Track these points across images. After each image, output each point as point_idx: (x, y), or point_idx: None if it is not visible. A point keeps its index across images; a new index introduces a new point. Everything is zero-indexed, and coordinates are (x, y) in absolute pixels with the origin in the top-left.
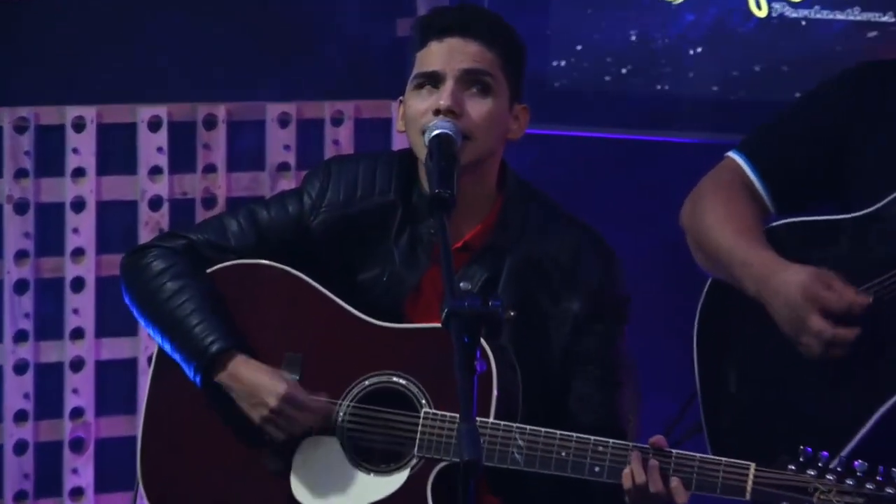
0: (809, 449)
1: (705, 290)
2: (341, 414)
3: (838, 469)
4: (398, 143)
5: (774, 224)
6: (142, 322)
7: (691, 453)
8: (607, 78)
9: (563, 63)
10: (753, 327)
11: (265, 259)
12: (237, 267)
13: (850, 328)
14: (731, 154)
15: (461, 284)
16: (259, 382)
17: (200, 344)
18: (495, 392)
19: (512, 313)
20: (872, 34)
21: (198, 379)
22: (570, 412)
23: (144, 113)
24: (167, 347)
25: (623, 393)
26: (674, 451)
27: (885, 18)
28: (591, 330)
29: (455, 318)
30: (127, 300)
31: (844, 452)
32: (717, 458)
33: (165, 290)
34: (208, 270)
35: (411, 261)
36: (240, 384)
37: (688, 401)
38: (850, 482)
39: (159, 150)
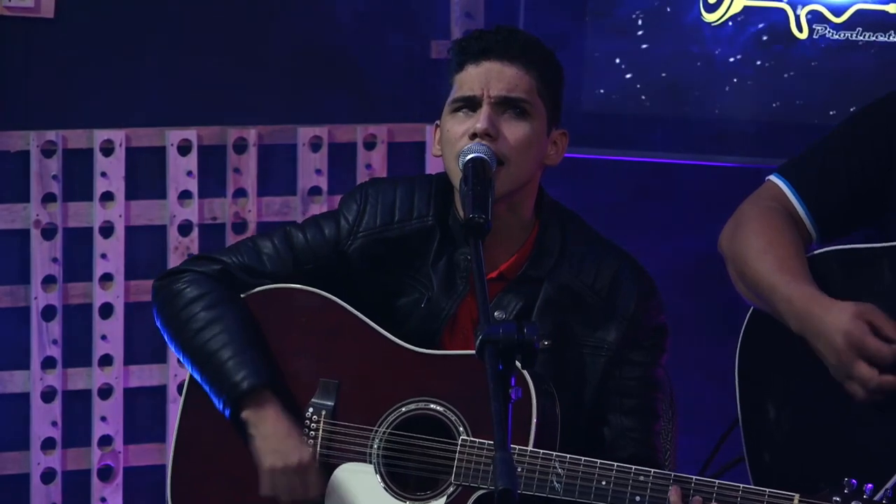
0: (854, 481)
1: (747, 318)
2: (377, 441)
3: (883, 502)
4: (432, 166)
5: (816, 252)
6: (172, 348)
7: (734, 483)
8: (645, 101)
9: (600, 86)
10: (797, 356)
11: (300, 283)
12: (272, 291)
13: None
14: (773, 178)
15: (495, 314)
16: (290, 436)
17: (231, 380)
18: (534, 419)
19: (546, 343)
20: None
21: (227, 413)
22: (606, 445)
23: (174, 136)
24: (197, 377)
25: (660, 426)
26: (716, 481)
27: None
28: (627, 360)
29: (489, 346)
30: (158, 324)
31: (890, 484)
32: (761, 489)
33: (198, 319)
34: (243, 295)
35: (449, 287)
36: (265, 426)
37: (727, 430)
38: None
39: (189, 173)
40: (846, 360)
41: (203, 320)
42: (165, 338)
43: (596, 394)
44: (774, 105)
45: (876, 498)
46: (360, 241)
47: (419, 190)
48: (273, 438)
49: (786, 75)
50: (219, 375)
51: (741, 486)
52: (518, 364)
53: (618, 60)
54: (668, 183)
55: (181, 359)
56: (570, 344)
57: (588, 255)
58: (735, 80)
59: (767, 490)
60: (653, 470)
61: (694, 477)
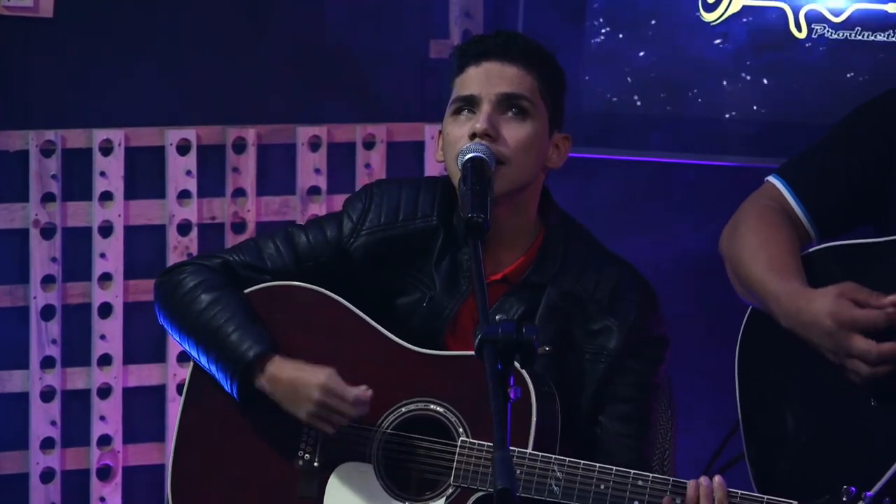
0: (853, 489)
1: (746, 317)
2: (377, 441)
3: None
4: (431, 166)
5: (811, 250)
6: (176, 337)
7: (733, 490)
8: (644, 101)
9: (599, 86)
10: (796, 355)
11: (302, 282)
12: (274, 288)
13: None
14: (771, 179)
15: (497, 317)
16: (298, 378)
17: (237, 351)
18: (534, 418)
19: (547, 348)
20: None
21: (235, 388)
22: (597, 447)
23: (173, 136)
24: (203, 360)
25: (652, 436)
26: None
27: None
28: (625, 367)
29: (488, 345)
30: (160, 317)
31: (881, 483)
32: (760, 495)
33: (200, 301)
34: (244, 291)
35: (452, 287)
36: (280, 385)
37: (731, 431)
38: None
39: (188, 173)
40: (840, 339)
41: (205, 302)
42: (169, 330)
43: (592, 398)
44: (773, 105)
45: None
46: (364, 238)
47: (424, 191)
48: (290, 393)
49: (785, 75)
50: (224, 350)
51: (739, 492)
52: (517, 364)
53: (617, 60)
54: (667, 183)
55: (185, 345)
56: (571, 350)
57: (590, 264)
58: (734, 79)
59: (766, 497)
60: (651, 475)
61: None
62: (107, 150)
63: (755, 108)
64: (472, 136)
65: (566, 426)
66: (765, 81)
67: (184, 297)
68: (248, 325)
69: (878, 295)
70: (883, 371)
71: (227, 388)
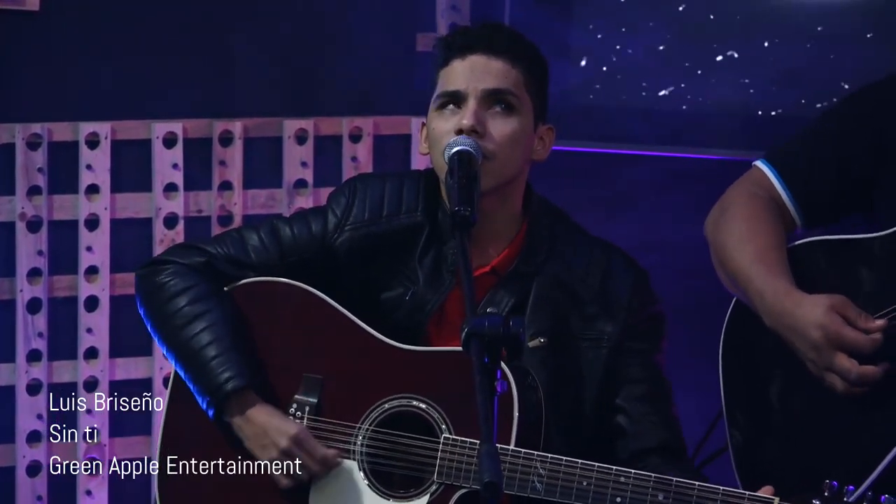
0: (836, 483)
1: (730, 310)
2: (360, 438)
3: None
4: (417, 160)
5: (797, 243)
6: (156, 340)
7: (714, 486)
8: (631, 93)
9: (585, 79)
10: (779, 349)
11: (285, 276)
12: (257, 285)
13: (876, 366)
14: (759, 164)
15: (488, 310)
16: (271, 423)
17: (216, 380)
18: (516, 413)
19: (541, 340)
20: None
21: (210, 413)
22: (629, 434)
23: (159, 129)
24: (181, 373)
25: (673, 408)
26: (697, 483)
27: None
28: (629, 350)
29: (475, 339)
30: (142, 314)
31: (868, 482)
32: (741, 492)
33: (183, 314)
34: (227, 288)
35: (435, 281)
36: (250, 426)
37: (713, 422)
38: None
39: (174, 166)
40: (824, 353)
41: (187, 316)
42: (149, 329)
43: (601, 387)
44: (762, 97)
45: (852, 500)
46: (348, 234)
47: (408, 185)
48: (260, 435)
49: (772, 67)
50: (202, 374)
51: (721, 488)
52: (503, 358)
53: (604, 52)
54: (655, 175)
55: (164, 353)
56: (567, 339)
57: (578, 250)
58: (723, 71)
59: (747, 493)
60: (633, 471)
61: (674, 479)
62: (93, 143)
63: (740, 100)
64: (459, 131)
65: (573, 416)
66: (750, 73)
67: (165, 304)
68: (230, 351)
69: (867, 316)
70: (859, 392)
71: (203, 408)
